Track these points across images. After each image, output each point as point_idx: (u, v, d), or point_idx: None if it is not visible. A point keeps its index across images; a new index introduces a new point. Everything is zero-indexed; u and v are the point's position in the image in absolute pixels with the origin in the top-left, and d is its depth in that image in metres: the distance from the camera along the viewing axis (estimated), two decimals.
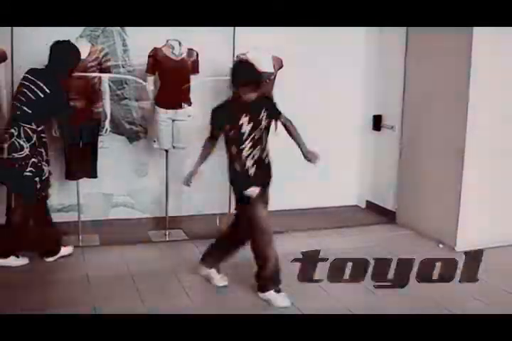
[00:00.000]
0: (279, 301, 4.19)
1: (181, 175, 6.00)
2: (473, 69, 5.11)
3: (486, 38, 5.05)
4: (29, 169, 4.60)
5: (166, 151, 5.60)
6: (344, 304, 4.21)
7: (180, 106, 5.48)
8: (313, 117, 6.21)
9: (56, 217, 5.70)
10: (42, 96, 4.57)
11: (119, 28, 5.66)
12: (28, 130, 4.59)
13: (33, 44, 5.30)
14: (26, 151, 4.57)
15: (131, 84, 5.80)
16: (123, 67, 5.79)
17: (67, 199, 5.70)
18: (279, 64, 5.70)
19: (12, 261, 4.80)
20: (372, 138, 6.67)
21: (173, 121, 5.51)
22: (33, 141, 4.60)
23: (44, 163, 4.70)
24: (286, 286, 4.36)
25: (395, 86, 6.10)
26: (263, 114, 4.15)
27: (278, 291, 4.26)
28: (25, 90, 4.60)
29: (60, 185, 5.71)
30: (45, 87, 4.57)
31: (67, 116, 4.81)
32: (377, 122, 6.49)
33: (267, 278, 4.26)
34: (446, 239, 5.48)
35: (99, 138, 5.48)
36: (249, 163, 4.12)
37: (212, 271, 4.52)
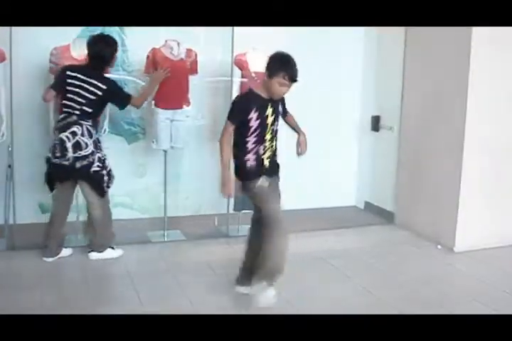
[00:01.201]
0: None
1: (179, 175, 6.05)
2: (472, 68, 5.11)
3: (485, 38, 5.05)
4: (96, 164, 4.76)
5: (165, 151, 5.60)
6: (342, 304, 4.21)
7: (179, 107, 5.48)
8: (312, 118, 6.21)
9: None
10: (100, 94, 4.70)
11: (117, 28, 5.66)
12: (89, 127, 4.73)
13: (32, 44, 5.32)
14: (91, 148, 4.71)
15: (129, 84, 5.80)
16: (122, 68, 5.79)
17: None
18: None
19: (111, 254, 5.01)
20: (371, 139, 6.68)
21: (172, 121, 5.50)
22: (94, 137, 4.76)
23: (105, 156, 4.87)
24: (286, 287, 4.36)
25: (394, 86, 6.10)
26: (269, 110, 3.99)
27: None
28: (79, 90, 4.68)
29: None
30: (100, 84, 4.70)
31: (129, 102, 4.94)
32: (375, 123, 6.50)
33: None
34: (444, 240, 5.47)
35: None
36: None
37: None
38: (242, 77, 5.64)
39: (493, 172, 5.40)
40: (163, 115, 5.45)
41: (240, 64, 5.60)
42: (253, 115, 3.91)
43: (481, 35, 5.02)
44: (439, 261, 5.19)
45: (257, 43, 5.52)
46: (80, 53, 5.14)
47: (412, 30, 5.75)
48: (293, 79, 3.83)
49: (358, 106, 6.76)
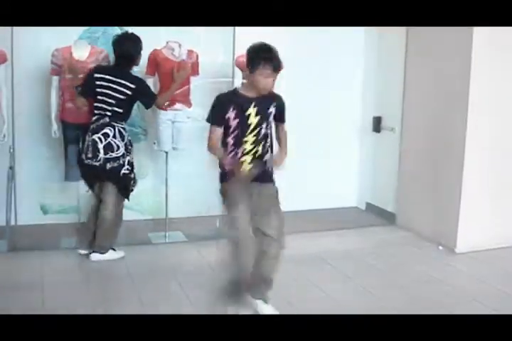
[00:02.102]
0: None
1: (181, 177, 6.06)
2: (473, 69, 5.11)
3: (486, 38, 5.05)
4: (126, 167, 4.85)
5: (166, 153, 5.60)
6: (343, 305, 4.21)
7: (180, 108, 5.48)
8: (313, 119, 6.22)
9: (56, 219, 5.74)
10: (130, 93, 4.75)
11: (119, 30, 5.67)
12: (122, 129, 4.81)
13: (34, 45, 5.33)
14: (122, 150, 4.79)
15: None
16: None
17: (66, 200, 5.70)
18: None
19: (112, 255, 5.00)
20: (372, 140, 6.67)
21: (173, 122, 5.51)
22: (126, 140, 4.84)
23: (133, 159, 4.96)
24: (286, 287, 4.36)
25: (395, 87, 6.10)
26: (252, 110, 3.73)
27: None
28: (109, 91, 4.74)
29: (59, 187, 5.73)
30: (128, 84, 4.75)
31: (155, 101, 5.02)
32: (377, 124, 6.49)
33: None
34: (446, 241, 5.47)
35: None
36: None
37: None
38: (244, 78, 5.63)
39: (494, 173, 5.39)
40: (164, 116, 5.45)
41: (242, 65, 5.59)
42: (230, 114, 3.71)
43: (482, 35, 5.01)
44: (440, 262, 5.18)
45: None
46: (81, 54, 5.16)
47: (413, 30, 5.74)
48: (276, 68, 3.66)
49: (359, 106, 6.75)
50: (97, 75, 4.77)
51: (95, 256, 4.94)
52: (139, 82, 4.85)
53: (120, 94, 4.73)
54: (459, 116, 5.25)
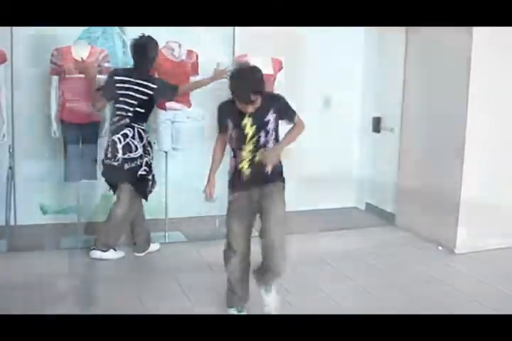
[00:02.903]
0: None
1: (180, 177, 6.05)
2: (473, 69, 5.11)
3: (485, 38, 5.05)
4: (144, 168, 4.88)
5: (166, 153, 5.60)
6: (343, 305, 4.21)
7: (180, 108, 5.48)
8: (313, 119, 6.20)
9: (55, 219, 5.73)
10: (151, 93, 4.80)
11: (118, 30, 5.67)
12: (141, 131, 4.85)
13: (33, 45, 5.32)
14: (140, 151, 4.83)
15: None
16: None
17: (66, 200, 5.69)
18: (278, 66, 5.71)
19: (111, 255, 5.00)
20: (371, 140, 6.67)
21: (173, 122, 5.51)
22: (144, 141, 4.87)
23: (152, 161, 4.99)
24: (286, 287, 4.35)
25: (395, 87, 6.09)
26: (246, 121, 3.70)
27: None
28: (130, 92, 4.79)
29: (59, 187, 5.72)
30: (149, 84, 4.80)
31: (178, 93, 5.09)
32: (376, 124, 6.49)
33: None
34: (445, 241, 5.47)
35: (99, 140, 5.48)
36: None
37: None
38: None
39: (494, 173, 5.39)
40: (164, 116, 5.45)
41: None
42: (229, 123, 3.78)
43: (482, 35, 5.01)
44: (440, 262, 5.19)
45: (258, 43, 5.52)
46: (80, 54, 5.15)
47: (413, 30, 5.75)
48: (245, 100, 3.58)
49: (359, 107, 6.76)
50: (116, 78, 4.84)
51: (95, 253, 4.93)
52: (159, 81, 4.92)
53: (142, 95, 4.78)
54: (458, 116, 5.25)
